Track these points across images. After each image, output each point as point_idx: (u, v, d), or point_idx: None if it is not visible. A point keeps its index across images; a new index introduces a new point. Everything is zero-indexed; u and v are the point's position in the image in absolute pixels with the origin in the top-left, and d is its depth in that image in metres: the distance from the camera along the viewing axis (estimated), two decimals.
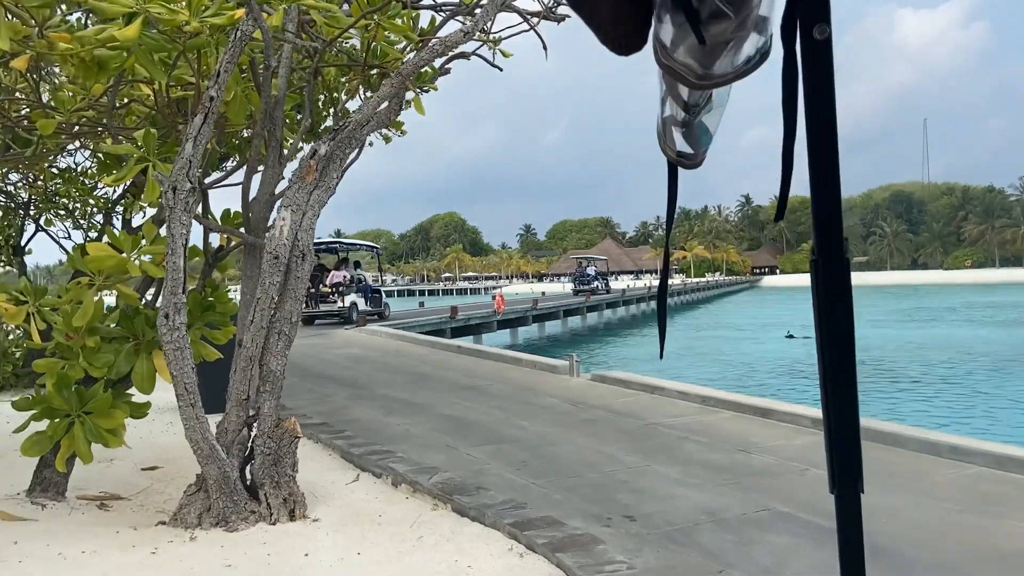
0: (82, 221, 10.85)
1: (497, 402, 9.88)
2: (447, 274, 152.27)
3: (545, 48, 5.36)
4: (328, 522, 4.70)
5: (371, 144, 12.23)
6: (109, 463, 6.23)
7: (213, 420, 4.71)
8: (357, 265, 28.03)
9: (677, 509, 5.26)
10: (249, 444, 4.83)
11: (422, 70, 5.41)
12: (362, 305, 24.75)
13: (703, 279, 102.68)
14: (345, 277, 25.03)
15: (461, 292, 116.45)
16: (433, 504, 5.15)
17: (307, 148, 5.24)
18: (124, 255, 4.67)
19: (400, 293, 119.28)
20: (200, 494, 4.62)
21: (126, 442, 5.01)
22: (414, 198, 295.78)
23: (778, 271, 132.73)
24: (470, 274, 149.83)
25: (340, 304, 24.13)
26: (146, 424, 7.55)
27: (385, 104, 5.14)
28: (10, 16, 4.08)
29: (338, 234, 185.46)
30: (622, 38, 0.80)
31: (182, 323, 4.39)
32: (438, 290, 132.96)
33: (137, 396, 5.11)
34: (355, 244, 33.34)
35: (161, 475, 6.01)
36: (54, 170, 9.91)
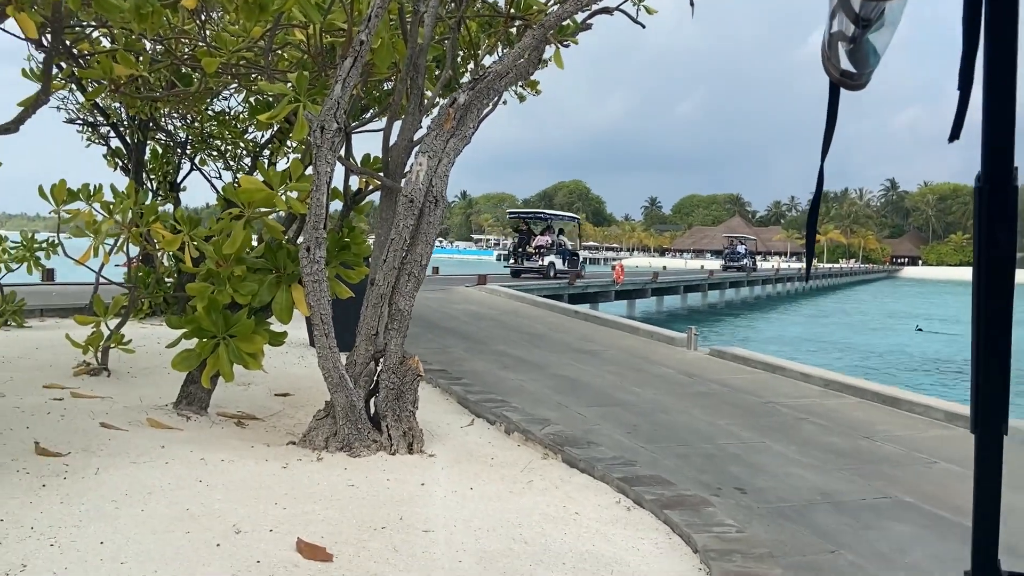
0: (232, 162, 11.55)
1: (611, 367, 9.89)
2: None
3: (692, 4, 5.21)
4: (443, 458, 4.89)
5: (505, 102, 12.33)
6: (246, 387, 6.68)
7: (341, 357, 4.96)
8: (560, 232, 34.26)
9: (791, 487, 5.13)
10: (375, 378, 5.07)
11: (564, 23, 5.39)
12: (560, 265, 30.62)
13: (836, 265, 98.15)
14: (548, 241, 31.22)
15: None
16: (544, 453, 5.24)
17: (446, 99, 5.36)
18: (273, 190, 4.96)
19: None
20: (328, 420, 4.90)
21: (264, 367, 5.37)
22: (541, 164, 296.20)
23: (920, 262, 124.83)
24: (591, 244, 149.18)
25: (541, 263, 30.32)
26: (280, 355, 8.04)
27: (525, 56, 5.17)
28: None
29: (464, 196, 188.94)
30: None
31: (322, 257, 4.63)
32: None
33: (275, 326, 5.45)
34: (559, 215, 37.87)
35: (292, 401, 6.40)
36: (210, 112, 10.57)
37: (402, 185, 4.91)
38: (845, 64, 1.02)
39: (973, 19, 0.79)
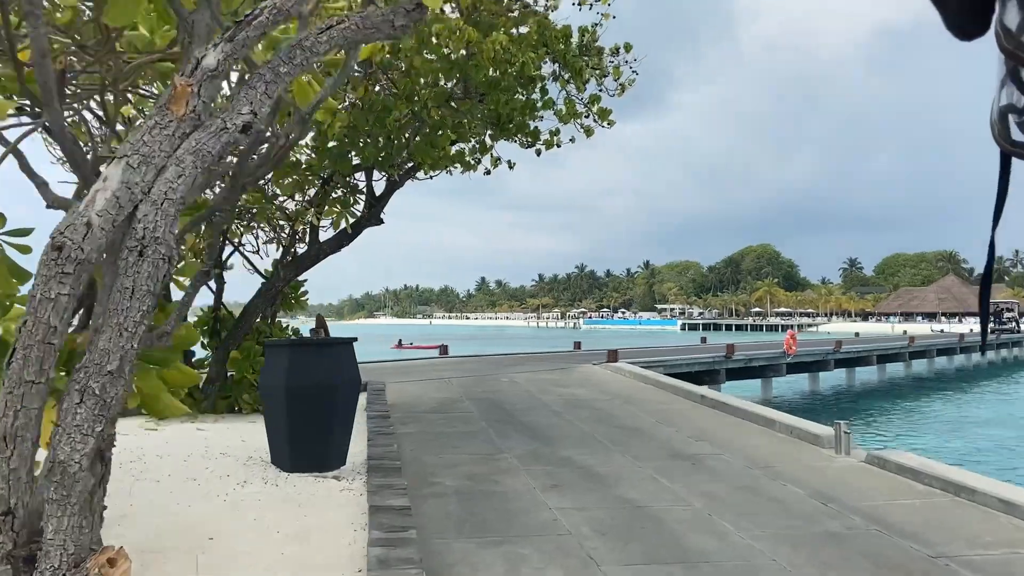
0: None
1: (708, 484, 6.96)
2: (756, 309, 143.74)
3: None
4: None
5: (572, 140, 9.94)
6: None
7: None
8: (1011, 309, 65.75)
9: None
10: None
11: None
12: (1017, 327, 57.09)
13: None
14: (1015, 314, 59.59)
15: (772, 328, 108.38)
16: None
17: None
18: None
19: (706, 327, 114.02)
20: None
21: None
22: (725, 229, 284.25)
23: None
24: (782, 310, 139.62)
25: (1010, 326, 57.52)
26: None
27: None
28: None
29: (647, 265, 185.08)
30: (966, 24, 0.89)
31: None
32: (746, 325, 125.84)
33: None
34: (1011, 301, 64.64)
35: None
36: None
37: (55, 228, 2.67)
38: (1017, 135, 0.99)
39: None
